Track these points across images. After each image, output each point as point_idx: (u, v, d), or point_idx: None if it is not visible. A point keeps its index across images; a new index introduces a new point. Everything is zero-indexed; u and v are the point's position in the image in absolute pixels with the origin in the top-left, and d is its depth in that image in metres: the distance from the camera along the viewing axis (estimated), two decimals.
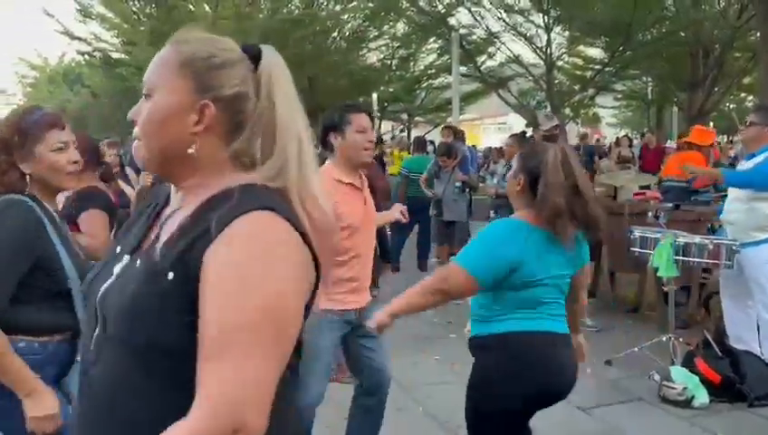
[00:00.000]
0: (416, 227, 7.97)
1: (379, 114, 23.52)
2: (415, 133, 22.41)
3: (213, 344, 0.92)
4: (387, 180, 7.51)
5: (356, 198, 2.73)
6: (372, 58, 23.82)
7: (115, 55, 21.31)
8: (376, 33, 21.94)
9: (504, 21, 18.56)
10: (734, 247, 4.04)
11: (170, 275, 0.97)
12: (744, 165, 4.23)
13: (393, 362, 3.79)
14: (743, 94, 24.12)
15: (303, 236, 1.01)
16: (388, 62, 23.86)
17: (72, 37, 20.06)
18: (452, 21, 18.40)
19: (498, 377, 2.13)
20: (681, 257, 4.16)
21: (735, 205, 4.14)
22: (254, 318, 0.92)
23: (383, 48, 23.20)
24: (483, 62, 20.63)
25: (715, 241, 4.12)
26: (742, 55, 18.45)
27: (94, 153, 3.14)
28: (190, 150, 1.07)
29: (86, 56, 22.51)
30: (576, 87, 20.93)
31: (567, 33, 19.31)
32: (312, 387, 2.61)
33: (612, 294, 6.18)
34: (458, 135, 8.68)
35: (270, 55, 1.14)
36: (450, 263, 2.37)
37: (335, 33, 21.68)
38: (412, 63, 24.39)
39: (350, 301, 2.74)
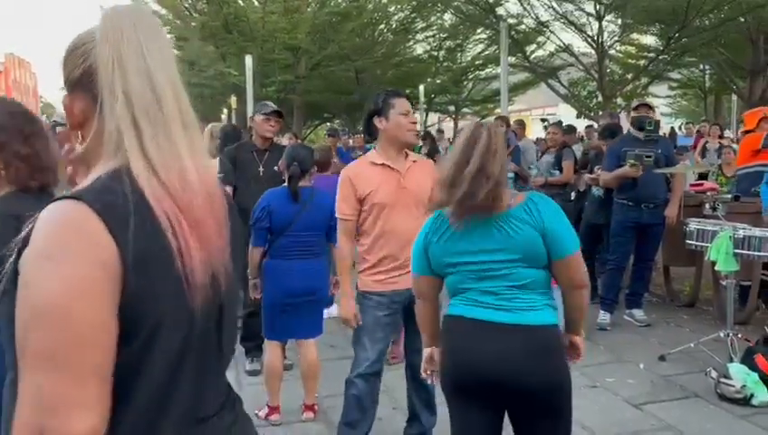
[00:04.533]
0: None
1: (425, 106, 23.44)
2: (461, 125, 22.24)
3: (18, 346, 0.90)
4: None
5: (389, 178, 2.83)
6: (419, 50, 23.75)
7: None
8: (423, 25, 21.84)
9: (553, 9, 18.17)
10: None
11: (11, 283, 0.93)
12: None
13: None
14: None
15: (121, 223, 0.90)
16: (435, 53, 23.72)
17: None
18: (500, 11, 18.12)
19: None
20: (741, 251, 4.01)
21: None
22: (30, 320, 0.87)
23: (430, 39, 23.08)
24: (532, 52, 20.28)
25: None
26: None
27: None
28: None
29: None
30: (628, 76, 20.35)
31: (619, 20, 18.77)
32: (357, 357, 2.94)
33: (666, 288, 6.02)
34: (519, 126, 8.67)
35: (110, 18, 0.98)
36: None
37: (382, 26, 21.69)
38: (459, 54, 24.19)
39: (388, 282, 2.85)
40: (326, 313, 5.49)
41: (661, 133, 6.82)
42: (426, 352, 2.27)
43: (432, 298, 2.24)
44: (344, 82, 21.36)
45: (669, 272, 5.99)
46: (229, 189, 4.24)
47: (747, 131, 5.98)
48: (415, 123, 2.85)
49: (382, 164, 2.85)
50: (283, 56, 18.12)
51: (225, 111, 22.46)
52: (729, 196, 5.21)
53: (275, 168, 3.84)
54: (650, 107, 5.33)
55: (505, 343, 1.96)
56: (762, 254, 4.01)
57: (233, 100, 18.38)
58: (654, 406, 3.70)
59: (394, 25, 21.64)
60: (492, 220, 2.00)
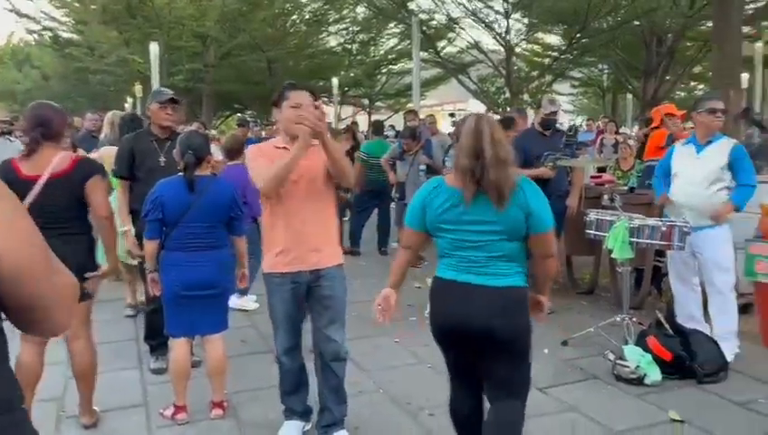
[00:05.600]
0: (375, 212, 8.00)
1: (339, 99, 23.38)
2: (376, 118, 22.35)
3: None
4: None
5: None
6: (332, 42, 23.65)
7: (66, 35, 20.60)
8: (336, 17, 21.75)
9: (463, 6, 18.59)
10: (685, 229, 4.15)
11: None
12: (698, 155, 4.28)
13: (353, 346, 3.83)
14: (693, 83, 24.77)
15: None
16: (349, 46, 23.70)
17: (20, 15, 19.30)
18: (412, 5, 18.34)
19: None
20: (635, 239, 4.25)
21: (693, 189, 4.22)
22: None
23: (343, 32, 23.04)
24: (443, 48, 20.66)
25: (668, 223, 4.22)
26: (693, 45, 18.94)
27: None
28: None
29: (35, 36, 21.71)
30: (534, 73, 21.16)
31: (526, 19, 19.47)
32: (276, 337, 3.12)
33: (569, 276, 6.30)
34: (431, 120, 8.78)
35: None
36: None
37: (295, 16, 21.42)
38: (372, 48, 24.31)
39: (284, 263, 2.97)
40: (237, 304, 5.40)
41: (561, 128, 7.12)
42: (384, 291, 2.64)
43: (415, 250, 2.66)
44: (256, 73, 20.96)
45: (571, 261, 6.27)
46: (124, 183, 4.07)
47: (655, 127, 6.35)
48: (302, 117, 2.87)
49: (284, 147, 2.96)
50: (191, 44, 17.54)
51: (131, 99, 21.46)
52: (626, 188, 5.52)
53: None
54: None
55: (486, 303, 2.38)
56: (654, 242, 4.26)
57: (137, 88, 17.58)
58: (557, 389, 3.87)
59: (307, 16, 21.43)
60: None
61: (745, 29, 18.62)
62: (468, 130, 2.39)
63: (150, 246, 3.28)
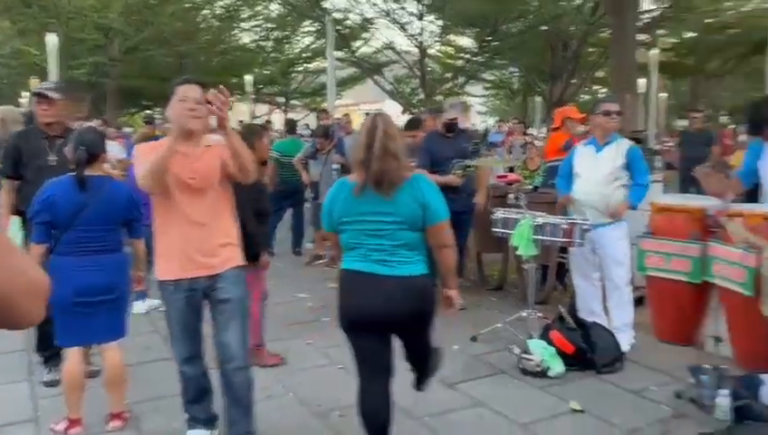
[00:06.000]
0: (289, 212, 7.88)
1: (253, 96, 22.95)
2: (290, 117, 22.10)
3: None
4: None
5: (178, 161, 2.76)
6: (246, 39, 23.17)
7: None
8: (250, 13, 21.33)
9: (377, 7, 18.71)
10: (584, 227, 4.33)
11: None
12: (597, 155, 4.47)
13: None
14: (596, 87, 26.06)
15: None
16: (263, 43, 23.30)
17: None
18: (326, 4, 18.27)
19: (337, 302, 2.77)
20: (539, 237, 4.39)
21: (593, 188, 4.42)
22: None
23: (257, 29, 22.62)
24: (358, 48, 20.70)
25: (569, 221, 4.39)
26: (595, 50, 19.93)
27: None
28: None
29: None
30: (448, 75, 21.59)
31: (439, 21, 19.83)
32: (174, 346, 2.99)
33: (479, 273, 6.45)
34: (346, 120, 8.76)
35: None
36: None
37: (206, 11, 20.83)
38: (287, 46, 24.00)
39: (177, 269, 2.83)
40: (142, 307, 5.16)
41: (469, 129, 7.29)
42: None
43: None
44: (164, 69, 20.19)
45: (481, 258, 6.42)
46: (10, 182, 3.80)
47: (556, 129, 6.56)
48: (193, 109, 2.75)
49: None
50: (93, 36, 16.66)
51: (26, 94, 20.16)
52: (530, 187, 5.71)
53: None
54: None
55: (390, 290, 2.59)
56: (556, 239, 4.42)
57: (33, 82, 16.52)
58: (466, 385, 3.94)
59: (219, 11, 20.88)
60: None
61: (642, 37, 19.86)
62: (365, 126, 2.64)
63: (37, 250, 3.05)
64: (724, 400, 3.23)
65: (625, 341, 4.38)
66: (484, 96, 31.78)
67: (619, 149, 4.39)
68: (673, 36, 22.43)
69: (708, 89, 23.57)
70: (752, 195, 4.11)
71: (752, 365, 3.17)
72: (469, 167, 5.26)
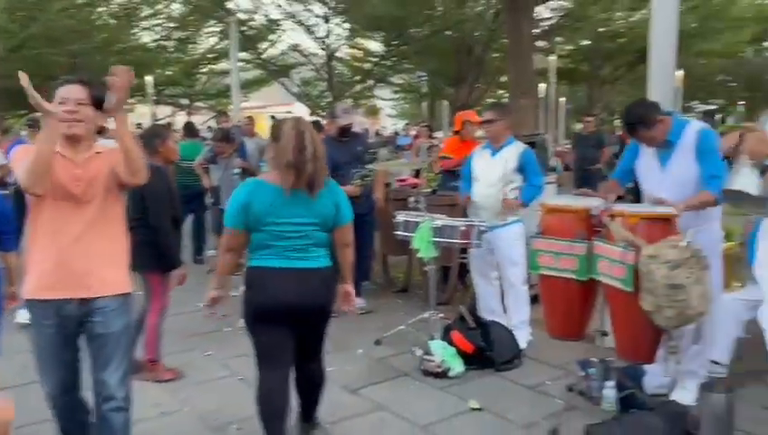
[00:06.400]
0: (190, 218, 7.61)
1: (155, 98, 22.08)
2: (203, 119, 21.47)
3: None
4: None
5: (62, 167, 2.44)
6: (146, 38, 22.23)
7: None
8: (149, 12, 20.48)
9: (283, 8, 18.50)
10: (481, 229, 4.44)
11: None
12: (492, 159, 4.60)
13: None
14: (500, 91, 26.97)
15: None
16: (165, 43, 22.46)
17: None
18: (230, 4, 17.86)
19: (244, 297, 2.88)
20: (438, 239, 4.45)
21: (489, 191, 4.53)
22: None
23: (158, 28, 21.76)
24: (265, 50, 20.38)
25: (467, 223, 4.49)
26: (498, 56, 20.60)
27: None
28: None
29: None
30: (356, 78, 21.66)
31: (346, 24, 19.86)
32: (41, 376, 2.64)
33: (385, 276, 6.47)
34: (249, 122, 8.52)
35: None
36: None
37: (101, 8, 19.81)
38: (191, 46, 23.26)
39: (46, 288, 2.49)
40: (26, 316, 4.79)
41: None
42: (214, 292, 2.96)
43: (238, 253, 2.92)
44: (56, 68, 19.02)
45: (387, 260, 6.45)
46: None
47: (457, 132, 6.68)
48: (74, 112, 2.46)
49: (57, 152, 2.45)
50: None
51: None
52: (429, 190, 5.80)
53: None
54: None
55: (306, 279, 2.81)
56: (455, 241, 4.50)
57: None
58: (368, 389, 3.93)
59: (116, 9, 19.92)
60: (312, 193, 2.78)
61: (542, 43, 20.73)
62: (290, 130, 2.75)
63: None
64: (610, 391, 3.39)
65: (522, 338, 4.52)
66: (393, 99, 32.16)
67: (513, 152, 4.53)
68: (569, 44, 23.59)
69: (603, 94, 24.95)
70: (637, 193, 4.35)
71: (634, 357, 3.34)
72: (368, 176, 5.34)
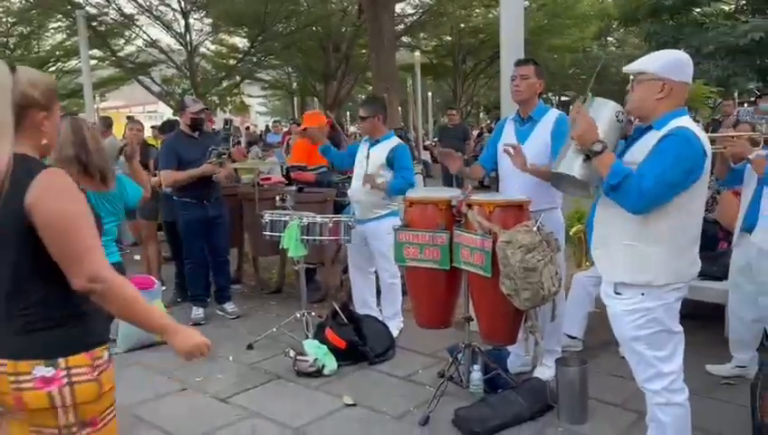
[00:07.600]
0: None
1: None
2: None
3: None
4: None
5: None
6: None
7: None
8: None
9: (137, 3, 17.48)
10: (349, 224, 4.43)
11: None
12: (371, 151, 4.60)
13: None
14: (369, 87, 27.32)
15: None
16: (4, 39, 20.49)
17: None
18: None
19: None
20: (307, 237, 4.39)
21: (357, 184, 4.55)
22: None
23: None
24: (121, 47, 19.19)
25: (334, 219, 4.46)
26: (365, 51, 20.82)
27: None
28: None
29: None
30: (221, 75, 20.99)
31: (207, 19, 19.17)
32: None
33: (257, 278, 6.31)
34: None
35: None
36: None
37: None
38: (36, 43, 21.40)
39: None
40: None
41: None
42: None
43: None
44: None
45: (257, 262, 6.29)
46: None
47: (304, 129, 6.55)
48: None
49: None
50: None
51: None
52: (294, 188, 5.70)
53: None
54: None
55: None
56: (324, 238, 4.45)
57: None
58: (239, 396, 3.79)
59: None
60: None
61: (406, 39, 21.21)
62: (68, 128, 2.88)
63: None
64: (476, 374, 3.51)
65: (394, 327, 4.60)
66: (262, 96, 31.59)
67: (385, 147, 4.55)
68: (433, 39, 24.33)
69: (467, 88, 26.00)
70: None
71: (497, 339, 3.48)
72: (223, 154, 5.04)
